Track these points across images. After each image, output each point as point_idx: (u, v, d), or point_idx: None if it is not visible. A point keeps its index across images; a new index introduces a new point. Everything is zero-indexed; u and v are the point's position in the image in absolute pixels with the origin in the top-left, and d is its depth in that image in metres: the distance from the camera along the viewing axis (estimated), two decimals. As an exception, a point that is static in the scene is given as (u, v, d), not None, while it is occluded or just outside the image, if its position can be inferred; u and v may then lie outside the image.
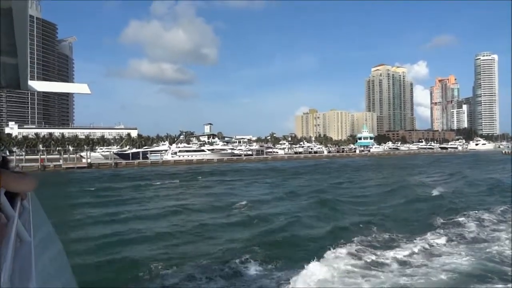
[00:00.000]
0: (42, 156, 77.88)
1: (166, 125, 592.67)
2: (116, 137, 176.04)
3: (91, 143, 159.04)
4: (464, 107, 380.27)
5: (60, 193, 33.63)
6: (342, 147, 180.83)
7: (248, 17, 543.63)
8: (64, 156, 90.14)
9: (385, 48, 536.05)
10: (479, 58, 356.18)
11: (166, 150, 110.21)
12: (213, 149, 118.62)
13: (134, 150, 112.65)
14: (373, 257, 11.97)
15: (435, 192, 27.61)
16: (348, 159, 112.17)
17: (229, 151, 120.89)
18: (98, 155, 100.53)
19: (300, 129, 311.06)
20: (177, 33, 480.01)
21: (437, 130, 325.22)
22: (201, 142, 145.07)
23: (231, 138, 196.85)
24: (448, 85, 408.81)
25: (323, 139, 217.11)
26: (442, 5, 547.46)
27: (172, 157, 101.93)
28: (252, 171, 60.31)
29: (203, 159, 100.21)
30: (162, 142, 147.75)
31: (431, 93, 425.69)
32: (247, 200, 25.58)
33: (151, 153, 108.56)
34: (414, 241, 14.12)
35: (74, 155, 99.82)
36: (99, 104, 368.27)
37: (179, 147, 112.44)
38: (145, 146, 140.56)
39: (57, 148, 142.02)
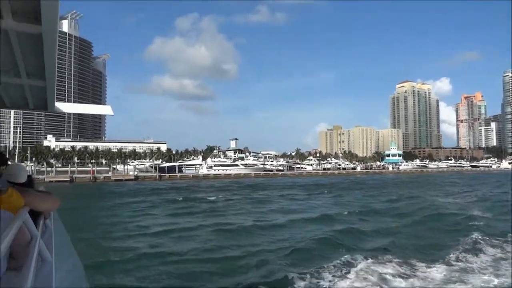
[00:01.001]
0: (93, 168, 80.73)
1: (188, 140, 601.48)
2: (147, 151, 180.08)
3: (123, 157, 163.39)
4: (493, 124, 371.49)
5: (148, 202, 35.07)
6: (370, 164, 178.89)
7: (269, 32, 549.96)
8: (98, 168, 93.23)
9: (405, 64, 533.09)
10: (508, 75, 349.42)
11: (200, 164, 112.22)
12: (246, 164, 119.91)
13: (169, 164, 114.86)
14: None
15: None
16: (385, 176, 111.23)
17: (261, 166, 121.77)
18: (133, 168, 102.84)
19: (324, 145, 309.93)
20: (199, 49, 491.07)
21: (465, 148, 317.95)
22: (235, 157, 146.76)
23: (258, 153, 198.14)
24: (475, 102, 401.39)
25: (349, 156, 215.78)
26: (465, 21, 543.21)
27: (208, 171, 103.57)
28: (303, 186, 60.14)
29: (240, 174, 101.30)
30: (193, 156, 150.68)
31: (456, 110, 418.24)
32: (347, 211, 26.42)
33: (185, 167, 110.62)
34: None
35: (108, 168, 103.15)
36: (122, 118, 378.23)
37: (214, 161, 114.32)
38: (175, 160, 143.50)
39: (91, 161, 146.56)
